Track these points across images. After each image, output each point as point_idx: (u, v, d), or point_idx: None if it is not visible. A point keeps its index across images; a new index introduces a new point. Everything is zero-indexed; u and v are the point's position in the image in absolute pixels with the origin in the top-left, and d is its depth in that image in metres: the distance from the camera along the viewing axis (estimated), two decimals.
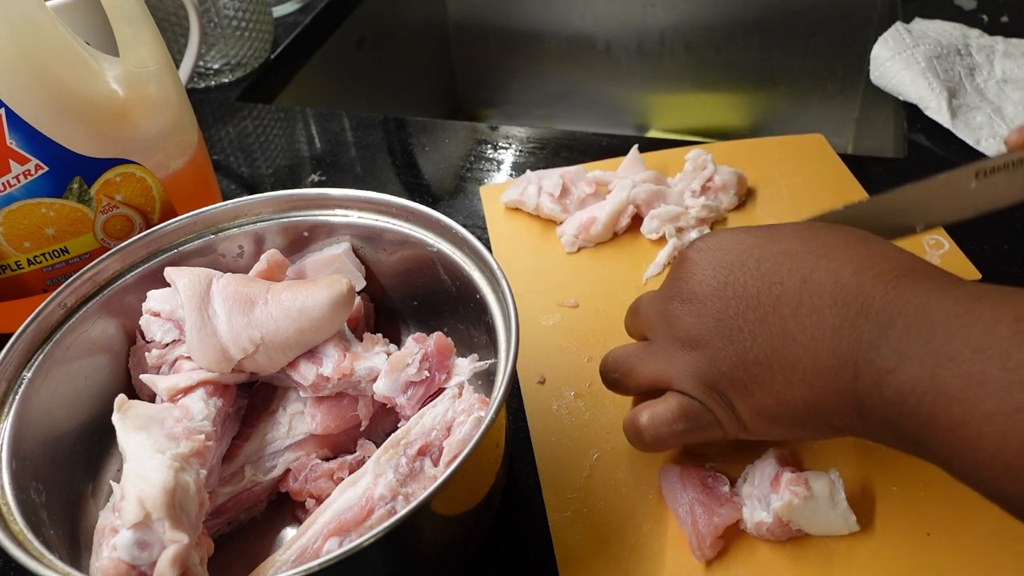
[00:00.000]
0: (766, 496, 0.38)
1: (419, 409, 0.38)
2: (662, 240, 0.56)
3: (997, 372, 0.27)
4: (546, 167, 0.67)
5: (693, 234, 0.56)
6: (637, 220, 0.57)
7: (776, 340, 0.34)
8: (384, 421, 0.42)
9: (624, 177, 0.59)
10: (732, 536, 0.38)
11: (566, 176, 0.59)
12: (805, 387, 0.33)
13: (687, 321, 0.37)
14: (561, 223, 0.58)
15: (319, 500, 0.38)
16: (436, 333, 0.39)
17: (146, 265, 0.42)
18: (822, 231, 0.35)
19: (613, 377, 0.42)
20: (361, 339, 0.41)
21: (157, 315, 0.40)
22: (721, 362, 0.35)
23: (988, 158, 0.42)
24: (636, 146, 0.62)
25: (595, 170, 0.61)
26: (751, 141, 0.65)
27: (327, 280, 0.40)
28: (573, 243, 0.57)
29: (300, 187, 0.65)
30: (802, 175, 0.61)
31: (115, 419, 0.35)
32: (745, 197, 0.60)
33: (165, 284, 0.41)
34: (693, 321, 0.36)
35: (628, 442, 0.40)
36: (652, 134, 1.10)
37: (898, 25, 0.75)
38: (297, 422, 0.41)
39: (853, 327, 0.31)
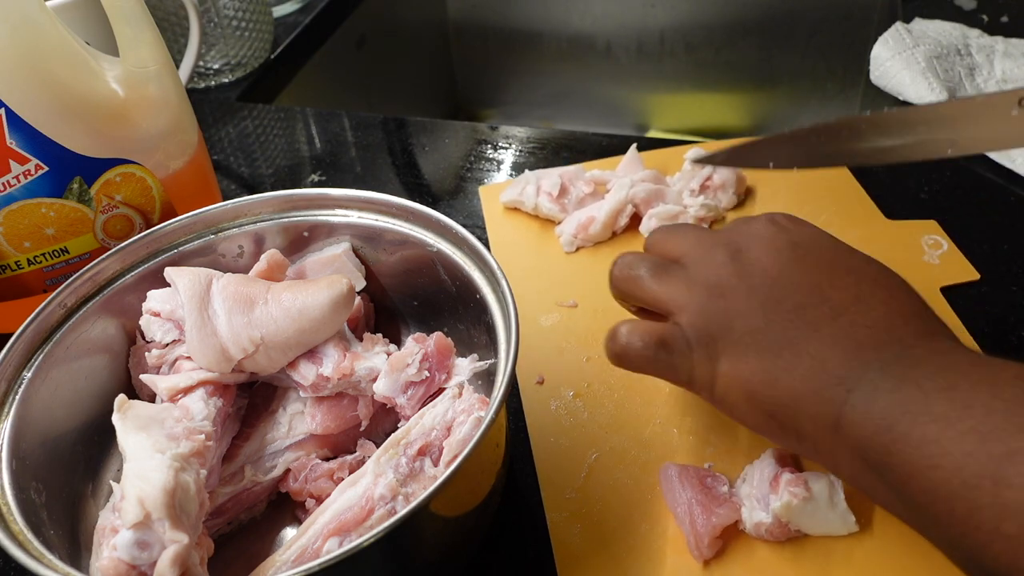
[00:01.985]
0: (765, 497, 0.38)
1: (419, 409, 0.38)
2: None
3: (985, 399, 0.29)
4: (546, 167, 0.67)
5: None
6: (636, 219, 0.57)
7: (803, 330, 0.34)
8: (384, 421, 0.42)
9: (623, 176, 0.59)
10: (730, 536, 0.38)
11: (564, 176, 0.59)
12: (801, 381, 0.34)
13: (728, 271, 0.37)
14: (560, 223, 0.58)
15: (319, 500, 0.38)
16: (436, 333, 0.40)
17: (146, 265, 0.42)
18: (891, 272, 0.37)
19: (628, 274, 0.40)
20: (361, 339, 0.41)
21: (157, 315, 0.40)
22: (736, 320, 0.35)
23: None
24: (635, 145, 0.62)
25: (593, 169, 0.61)
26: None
27: (327, 280, 0.40)
28: (572, 243, 0.57)
29: (300, 187, 0.65)
30: (801, 174, 0.61)
31: (115, 419, 0.35)
32: (744, 196, 0.60)
33: (165, 284, 0.41)
34: (735, 278, 0.37)
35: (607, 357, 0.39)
36: (652, 134, 1.10)
37: (898, 25, 0.75)
38: (297, 422, 0.41)
39: (876, 350, 0.33)
